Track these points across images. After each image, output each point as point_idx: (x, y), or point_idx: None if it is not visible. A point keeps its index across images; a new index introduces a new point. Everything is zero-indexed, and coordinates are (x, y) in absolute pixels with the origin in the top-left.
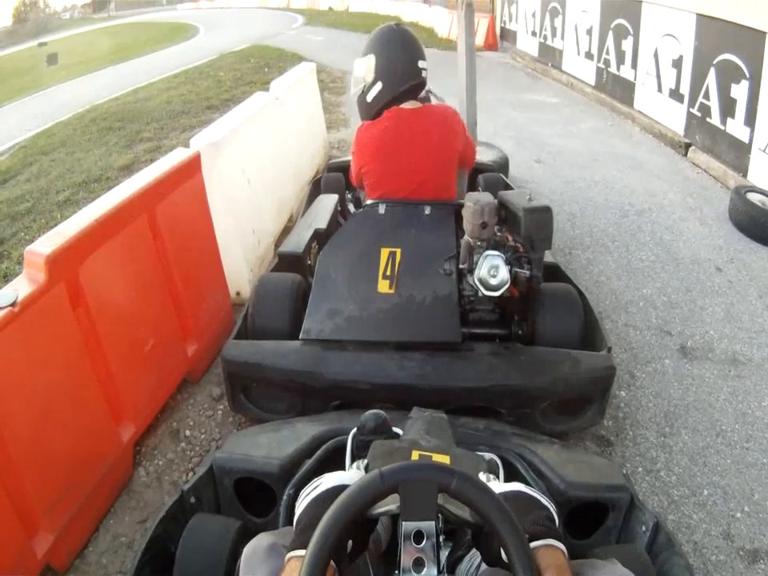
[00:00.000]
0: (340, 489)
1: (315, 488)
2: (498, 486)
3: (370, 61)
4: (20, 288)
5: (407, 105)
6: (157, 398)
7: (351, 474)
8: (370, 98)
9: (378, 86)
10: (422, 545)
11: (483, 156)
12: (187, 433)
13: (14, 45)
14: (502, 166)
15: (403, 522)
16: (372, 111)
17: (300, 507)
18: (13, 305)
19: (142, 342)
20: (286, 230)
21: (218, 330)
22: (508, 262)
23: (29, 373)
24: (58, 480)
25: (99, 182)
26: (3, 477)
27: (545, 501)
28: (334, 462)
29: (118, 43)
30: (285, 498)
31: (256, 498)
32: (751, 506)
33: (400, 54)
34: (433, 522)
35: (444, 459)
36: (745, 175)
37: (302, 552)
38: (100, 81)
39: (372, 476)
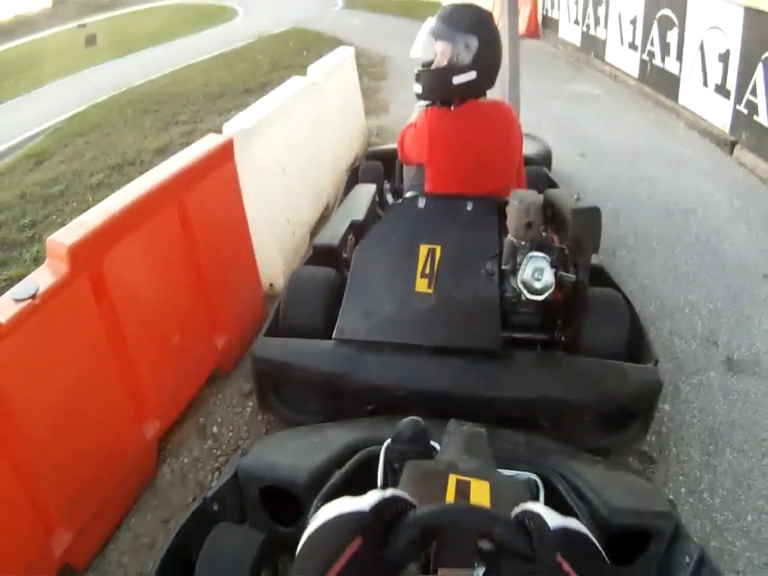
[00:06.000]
0: (340, 518)
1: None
2: (555, 518)
3: (471, 42)
4: (41, 279)
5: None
6: (184, 393)
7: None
8: (457, 81)
9: (472, 74)
10: None
11: (526, 148)
12: (214, 430)
13: (54, 26)
14: (546, 158)
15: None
16: (447, 96)
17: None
18: (33, 297)
19: (168, 335)
20: (323, 219)
21: (249, 322)
22: (553, 265)
23: (49, 368)
24: (78, 477)
25: (133, 166)
26: (21, 474)
27: (594, 539)
28: (366, 473)
29: (156, 25)
30: (312, 509)
31: (283, 506)
32: None
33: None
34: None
35: (483, 486)
36: None
37: None
38: (137, 62)
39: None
